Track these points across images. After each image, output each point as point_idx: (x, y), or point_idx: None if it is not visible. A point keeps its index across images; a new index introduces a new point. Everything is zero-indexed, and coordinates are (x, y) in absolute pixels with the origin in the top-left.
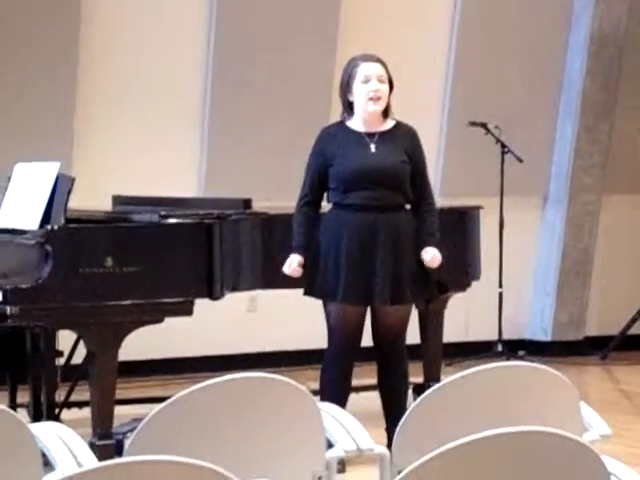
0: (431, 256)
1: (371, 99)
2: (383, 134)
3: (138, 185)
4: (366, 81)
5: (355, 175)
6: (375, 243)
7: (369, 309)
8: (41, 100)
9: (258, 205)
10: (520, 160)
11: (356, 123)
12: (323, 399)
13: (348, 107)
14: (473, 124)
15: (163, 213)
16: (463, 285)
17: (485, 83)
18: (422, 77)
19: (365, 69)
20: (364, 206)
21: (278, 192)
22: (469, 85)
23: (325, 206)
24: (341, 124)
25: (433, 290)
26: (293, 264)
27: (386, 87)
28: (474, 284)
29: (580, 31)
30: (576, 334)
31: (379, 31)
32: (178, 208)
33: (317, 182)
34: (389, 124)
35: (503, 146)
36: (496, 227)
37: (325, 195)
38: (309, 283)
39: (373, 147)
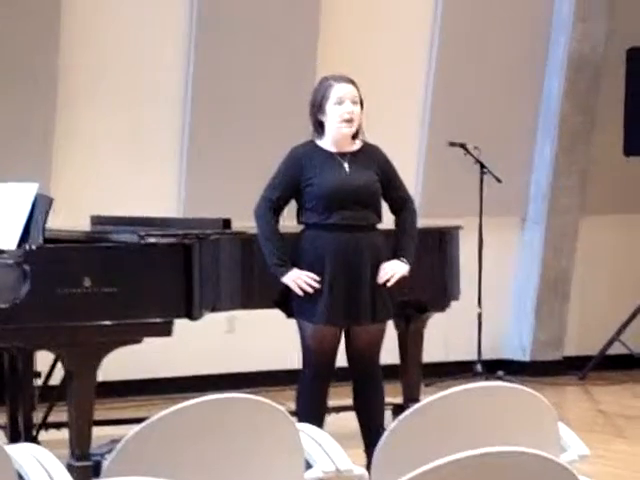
0: (388, 276)
1: (344, 121)
2: (354, 154)
3: (117, 206)
4: (340, 102)
5: (332, 195)
6: (358, 264)
7: (343, 331)
8: (20, 120)
9: (238, 225)
10: (499, 180)
11: (327, 143)
12: (300, 420)
13: (319, 127)
14: (452, 144)
15: (142, 233)
16: (442, 305)
17: (464, 104)
18: (402, 97)
19: (339, 90)
20: (344, 226)
21: None
22: (449, 106)
23: (290, 226)
24: (312, 144)
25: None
26: (303, 277)
27: (359, 109)
28: (453, 304)
29: (558, 53)
30: (555, 354)
31: (359, 50)
32: (157, 228)
33: (287, 195)
34: (358, 144)
35: (482, 166)
36: (475, 247)
37: (297, 217)
38: (287, 303)
39: (347, 167)
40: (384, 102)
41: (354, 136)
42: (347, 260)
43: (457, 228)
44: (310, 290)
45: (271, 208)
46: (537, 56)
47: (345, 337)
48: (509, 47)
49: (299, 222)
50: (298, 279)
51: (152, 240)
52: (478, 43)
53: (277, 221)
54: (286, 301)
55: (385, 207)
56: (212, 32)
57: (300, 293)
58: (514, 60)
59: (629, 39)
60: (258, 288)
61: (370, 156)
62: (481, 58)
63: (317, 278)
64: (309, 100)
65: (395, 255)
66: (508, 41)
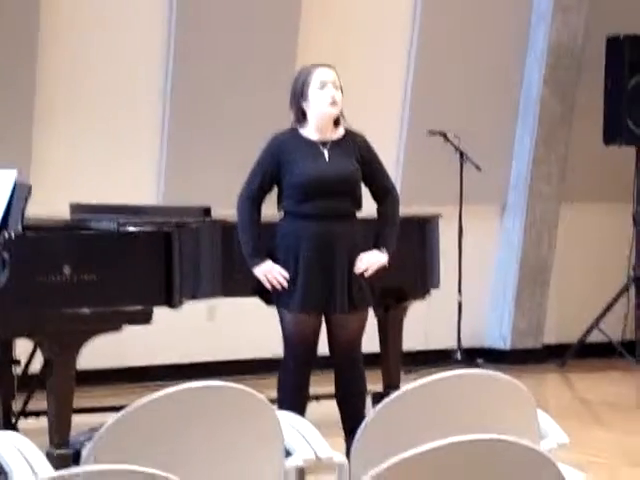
0: (365, 267)
1: (329, 104)
2: (335, 142)
3: (97, 193)
4: (322, 86)
5: (310, 184)
6: (333, 252)
7: (324, 319)
8: None
9: (218, 213)
10: (479, 169)
11: (309, 131)
12: (282, 408)
13: (301, 115)
14: (432, 133)
15: (121, 221)
16: (422, 293)
17: (444, 92)
18: (382, 86)
19: (320, 75)
20: (320, 215)
21: None
22: (428, 94)
23: (273, 215)
24: (293, 132)
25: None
26: (274, 272)
27: (340, 94)
28: (433, 292)
29: (538, 42)
30: (534, 342)
31: (338, 40)
32: (137, 216)
33: (267, 183)
34: (340, 132)
35: (462, 155)
36: (455, 235)
37: (277, 204)
38: (266, 291)
39: (327, 155)
40: (364, 90)
41: (336, 123)
42: (322, 248)
43: (437, 216)
44: (279, 287)
45: (250, 197)
46: (517, 45)
47: (326, 326)
48: (489, 36)
49: (279, 209)
50: (269, 273)
51: (132, 228)
52: (458, 31)
53: (258, 210)
54: (265, 289)
55: (367, 195)
56: (192, 25)
57: (269, 287)
58: (494, 49)
59: (609, 28)
60: (238, 276)
61: (352, 144)
62: (461, 46)
63: (287, 275)
64: (290, 89)
65: (375, 244)
66: (489, 30)
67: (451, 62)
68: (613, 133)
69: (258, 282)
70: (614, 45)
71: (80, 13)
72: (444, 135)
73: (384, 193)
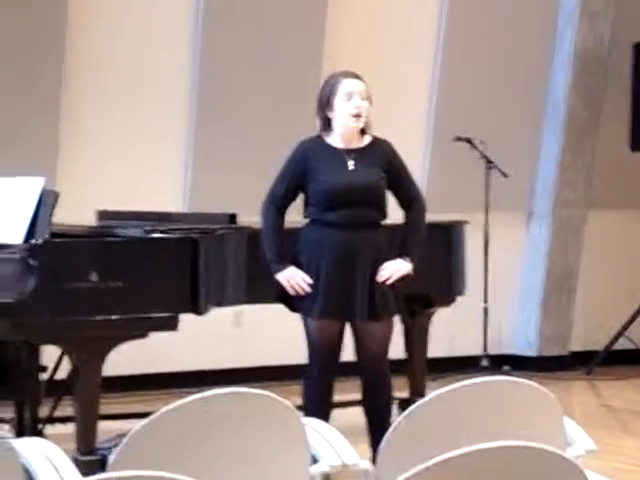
0: (388, 275)
1: (353, 116)
2: (361, 151)
3: (123, 200)
4: (348, 98)
5: (333, 193)
6: (355, 261)
7: (350, 328)
8: (25, 114)
9: (243, 220)
10: (505, 175)
11: (334, 139)
12: (306, 415)
13: (327, 123)
14: (458, 139)
15: (148, 228)
16: (448, 300)
17: (470, 98)
18: (408, 92)
19: (347, 86)
20: (345, 224)
21: None
22: (454, 100)
23: (299, 221)
24: (319, 139)
25: (398, 306)
26: (297, 278)
27: (367, 104)
28: (459, 299)
29: (564, 47)
30: (561, 349)
31: (364, 46)
32: (163, 223)
33: (292, 189)
34: (366, 140)
35: (488, 161)
36: (481, 242)
37: (303, 210)
38: (289, 297)
39: (351, 164)
40: (390, 97)
41: (363, 132)
42: (345, 257)
43: (463, 223)
44: (302, 292)
45: (274, 203)
46: (543, 50)
47: (352, 335)
48: (515, 41)
49: (305, 216)
50: (292, 279)
51: (158, 235)
52: (484, 38)
53: (281, 217)
54: (288, 296)
55: (393, 202)
56: (219, 25)
57: (292, 292)
58: (520, 55)
59: (635, 33)
60: (264, 283)
61: (378, 152)
62: (487, 52)
63: (309, 281)
64: (317, 96)
65: (399, 253)
66: (514, 36)
67: (477, 68)
68: None
69: (282, 289)
70: None
71: (108, 6)
72: (470, 141)
73: (410, 201)
